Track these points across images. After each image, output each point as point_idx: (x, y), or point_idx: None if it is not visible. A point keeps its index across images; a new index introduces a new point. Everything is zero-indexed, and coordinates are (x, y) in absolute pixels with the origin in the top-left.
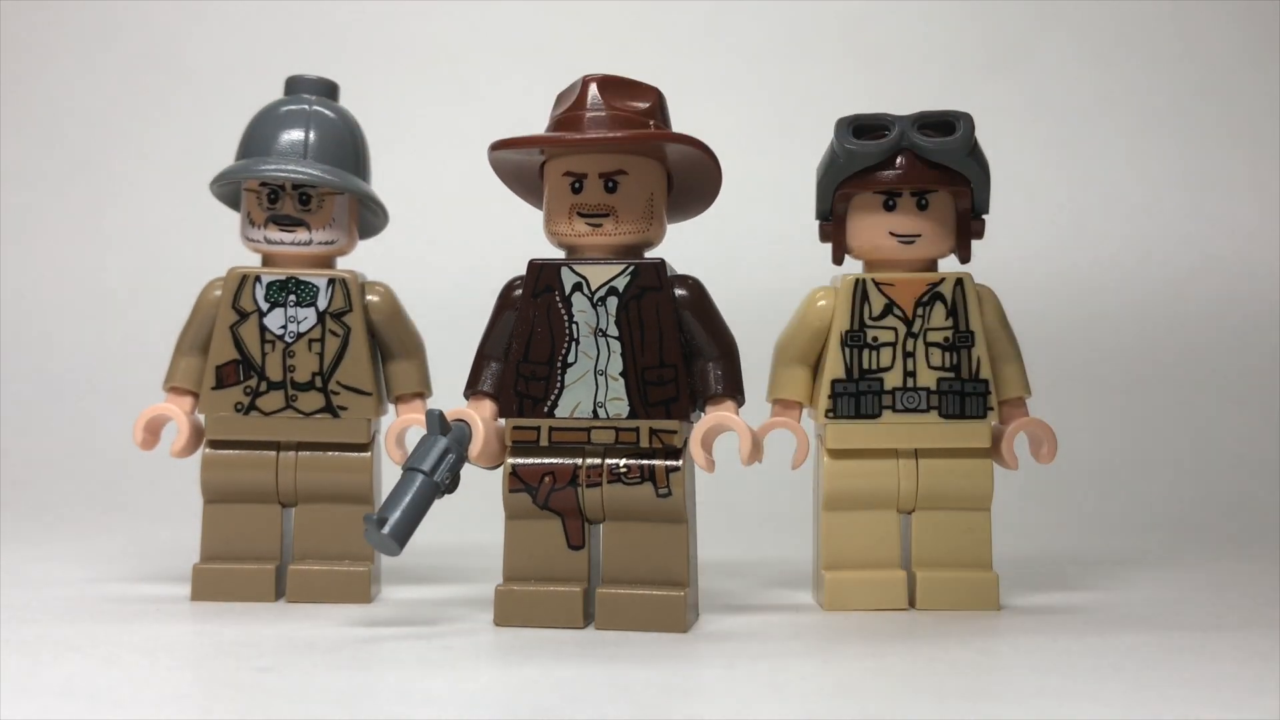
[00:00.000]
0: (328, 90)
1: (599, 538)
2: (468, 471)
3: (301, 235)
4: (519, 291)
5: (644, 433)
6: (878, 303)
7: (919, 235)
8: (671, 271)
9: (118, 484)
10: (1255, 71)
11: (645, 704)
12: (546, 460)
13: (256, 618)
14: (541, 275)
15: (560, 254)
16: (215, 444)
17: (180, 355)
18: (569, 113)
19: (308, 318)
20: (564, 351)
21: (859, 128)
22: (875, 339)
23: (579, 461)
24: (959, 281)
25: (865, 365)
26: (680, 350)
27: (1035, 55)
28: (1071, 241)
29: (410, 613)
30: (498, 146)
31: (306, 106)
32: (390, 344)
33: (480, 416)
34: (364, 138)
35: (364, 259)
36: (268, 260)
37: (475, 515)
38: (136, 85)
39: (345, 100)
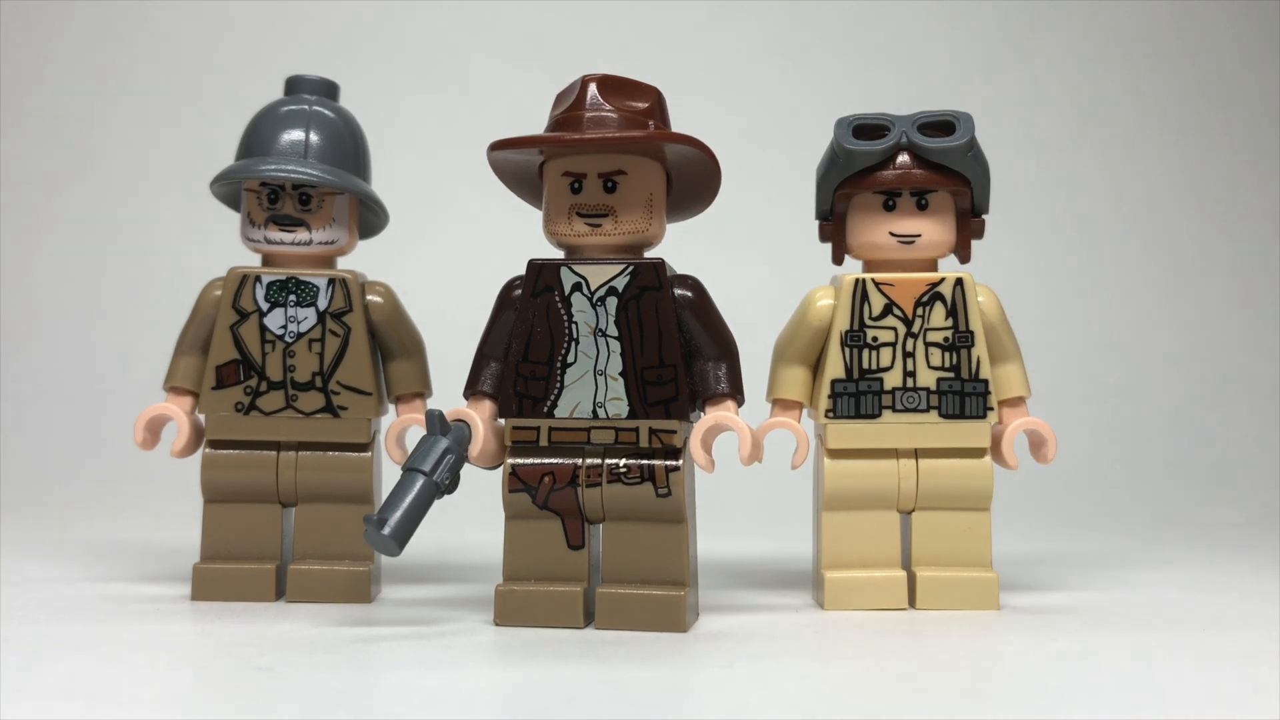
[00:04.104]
0: (328, 90)
1: (599, 538)
2: (467, 472)
3: (302, 235)
4: (518, 291)
5: (644, 433)
6: (878, 303)
7: (919, 235)
8: (671, 271)
9: (118, 484)
10: (1255, 72)
11: (645, 704)
12: (546, 460)
13: (256, 618)
14: (541, 275)
15: (560, 254)
16: (215, 444)
17: (180, 355)
18: (568, 113)
19: (308, 318)
20: (563, 351)
21: (859, 128)
22: (875, 339)
23: (579, 461)
24: (959, 281)
25: (865, 365)
26: (680, 350)
27: (1036, 55)
28: (1071, 241)
29: (410, 613)
30: (497, 147)
31: (307, 107)
32: (390, 344)
33: (480, 417)
34: (364, 138)
35: (364, 259)
36: (268, 260)
37: (475, 515)
38: (136, 85)
39: (345, 100)
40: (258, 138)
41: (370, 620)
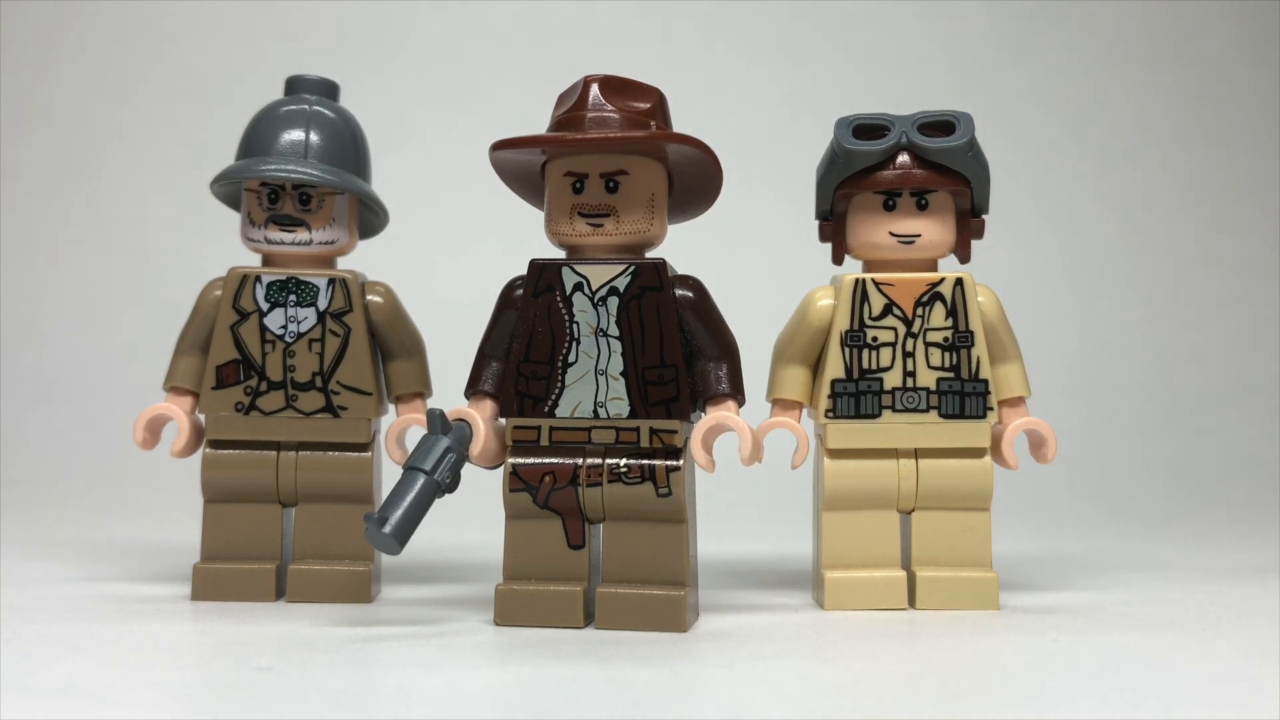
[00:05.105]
0: (328, 90)
1: (599, 537)
2: (468, 471)
3: (302, 235)
4: (520, 291)
5: (644, 432)
6: (877, 303)
7: (919, 235)
8: (672, 271)
9: (118, 484)
10: (1255, 72)
11: (645, 704)
12: (547, 460)
13: (256, 618)
14: (542, 275)
15: (561, 254)
16: (215, 444)
17: (180, 355)
18: (570, 113)
19: (308, 317)
20: (565, 351)
21: (859, 128)
22: (875, 339)
23: (579, 461)
24: (959, 281)
25: (865, 365)
26: (681, 350)
27: (1035, 55)
28: (1071, 241)
29: (410, 613)
30: (499, 146)
31: (307, 106)
32: (391, 344)
33: (481, 416)
34: (364, 137)
35: (364, 259)
36: (268, 260)
37: (475, 515)
38: (136, 85)
39: (345, 100)
40: (258, 138)
41: (370, 620)
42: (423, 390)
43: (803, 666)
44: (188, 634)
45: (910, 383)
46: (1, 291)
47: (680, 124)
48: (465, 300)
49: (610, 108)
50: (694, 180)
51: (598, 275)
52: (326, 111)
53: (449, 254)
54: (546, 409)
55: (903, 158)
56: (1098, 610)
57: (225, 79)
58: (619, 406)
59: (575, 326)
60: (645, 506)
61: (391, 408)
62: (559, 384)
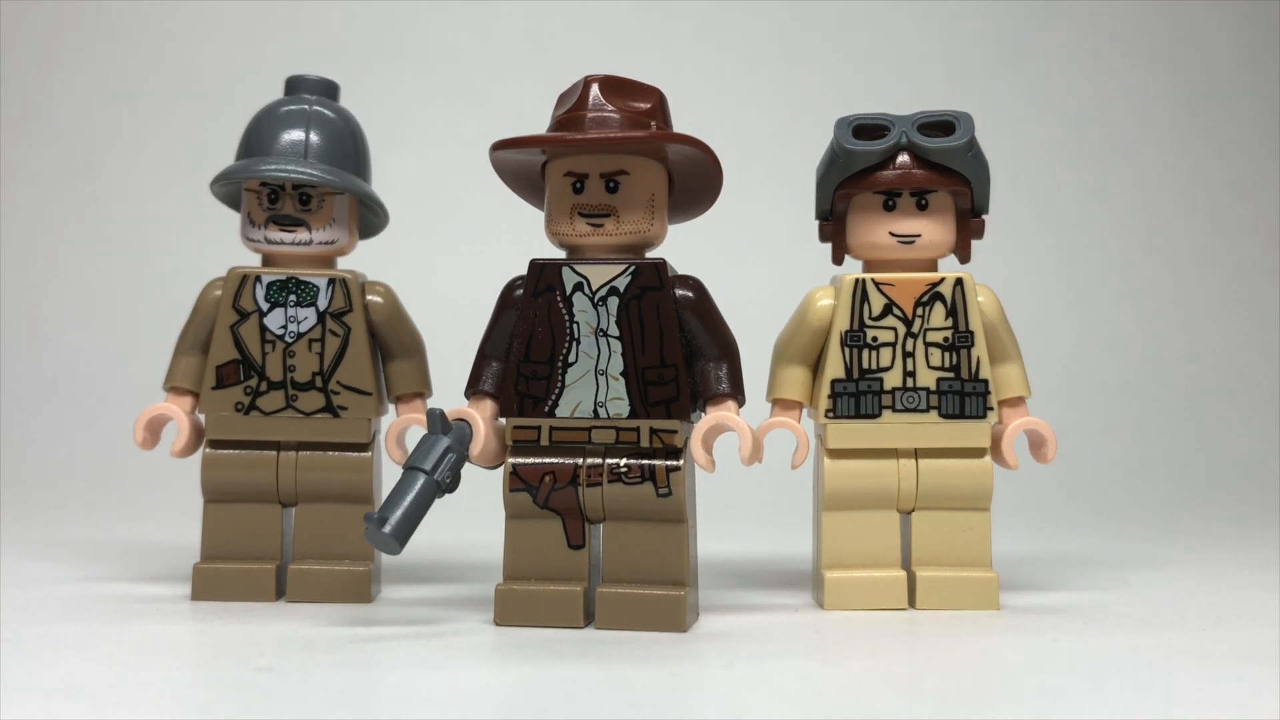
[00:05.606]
0: (328, 90)
1: (599, 537)
2: (468, 471)
3: (302, 235)
4: (520, 291)
5: (644, 432)
6: (877, 303)
7: (919, 235)
8: (672, 271)
9: (118, 484)
10: (1255, 72)
11: (645, 704)
12: (547, 460)
13: (256, 618)
14: (543, 275)
15: (561, 254)
16: (215, 444)
17: (180, 355)
18: (570, 113)
19: (308, 317)
20: (565, 351)
21: (859, 128)
22: (875, 339)
23: (579, 461)
24: (959, 281)
25: (865, 365)
26: (681, 350)
27: (1036, 55)
28: (1071, 241)
29: (410, 613)
30: (499, 146)
31: (307, 106)
32: (391, 344)
33: (481, 416)
34: (364, 138)
35: (364, 259)
36: (268, 260)
37: (475, 515)
38: (136, 85)
39: (345, 100)
40: (258, 137)
41: (370, 620)
42: (423, 390)
43: (803, 666)
44: (188, 634)
45: (910, 383)
46: (1, 291)
47: (680, 124)
48: (465, 300)
49: (610, 108)
50: (694, 180)
51: (598, 275)
52: (326, 111)
53: (449, 254)
54: (546, 409)
55: (903, 158)
56: (1098, 610)
57: (225, 79)
58: (619, 406)
59: (575, 326)
60: (645, 506)
61: (391, 408)
62: (559, 384)
